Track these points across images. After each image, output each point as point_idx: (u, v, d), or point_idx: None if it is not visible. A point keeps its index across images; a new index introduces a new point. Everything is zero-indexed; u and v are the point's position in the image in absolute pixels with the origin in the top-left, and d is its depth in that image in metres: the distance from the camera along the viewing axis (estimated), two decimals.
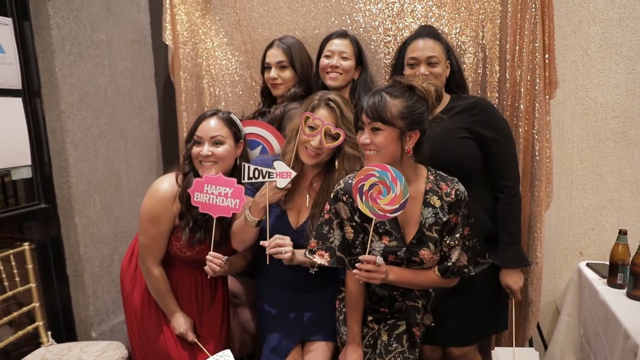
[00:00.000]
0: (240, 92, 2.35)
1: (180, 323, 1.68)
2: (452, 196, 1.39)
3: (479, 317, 1.69)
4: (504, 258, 1.66)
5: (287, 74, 1.98)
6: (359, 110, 1.36)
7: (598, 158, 2.14)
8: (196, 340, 1.69)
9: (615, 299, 1.71)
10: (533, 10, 1.88)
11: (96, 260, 2.21)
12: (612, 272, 1.79)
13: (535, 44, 1.90)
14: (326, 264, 1.42)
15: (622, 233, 1.78)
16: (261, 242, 1.50)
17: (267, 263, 1.50)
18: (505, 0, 1.94)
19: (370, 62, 2.09)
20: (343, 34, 1.98)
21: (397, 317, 1.52)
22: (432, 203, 1.39)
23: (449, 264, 1.40)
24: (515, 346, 1.81)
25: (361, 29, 2.17)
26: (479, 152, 1.66)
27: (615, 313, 1.60)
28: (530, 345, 2.07)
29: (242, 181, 1.51)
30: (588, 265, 2.04)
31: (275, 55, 1.99)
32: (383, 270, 1.33)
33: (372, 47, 2.16)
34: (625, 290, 1.74)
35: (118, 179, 2.32)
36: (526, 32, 1.90)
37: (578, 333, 1.96)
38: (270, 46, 2.03)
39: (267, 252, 1.47)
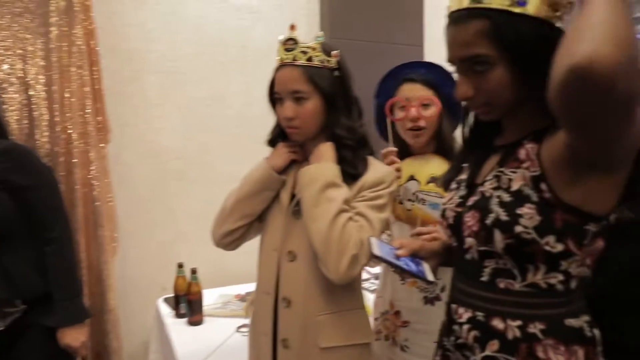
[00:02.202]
0: None
1: None
2: None
3: None
4: (57, 318, 1.51)
5: None
6: None
7: (167, 196, 2.30)
8: None
9: (179, 328, 1.84)
10: (78, 53, 1.84)
11: None
12: (177, 304, 1.92)
13: (85, 89, 1.87)
14: None
15: (180, 266, 1.94)
16: None
17: None
18: (48, 38, 1.82)
19: None
20: None
21: None
22: None
23: None
24: None
25: None
26: (14, 204, 1.47)
27: (174, 343, 1.71)
28: None
29: None
30: (165, 300, 2.14)
31: None
32: None
33: None
34: (187, 319, 1.90)
35: None
36: (74, 76, 1.84)
37: None
38: None
39: None
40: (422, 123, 1.33)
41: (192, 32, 2.28)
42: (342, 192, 1.10)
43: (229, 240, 1.28)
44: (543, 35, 0.77)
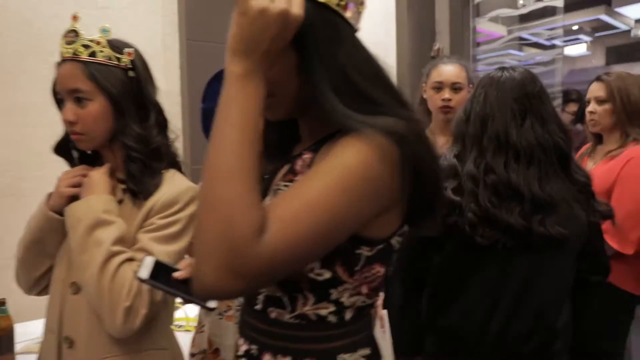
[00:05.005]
0: None
1: None
2: None
3: None
4: None
5: None
6: None
7: None
8: None
9: None
10: None
11: None
12: None
13: None
14: None
15: (2, 304, 1.64)
16: None
17: None
18: None
19: None
20: None
21: None
22: None
23: None
24: None
25: None
26: None
27: None
28: None
29: None
30: None
31: None
32: None
33: None
34: None
35: None
36: None
37: None
38: None
39: None
40: None
41: (18, 27, 1.99)
42: (113, 230, 0.94)
43: (42, 286, 1.12)
44: (327, 21, 0.69)
